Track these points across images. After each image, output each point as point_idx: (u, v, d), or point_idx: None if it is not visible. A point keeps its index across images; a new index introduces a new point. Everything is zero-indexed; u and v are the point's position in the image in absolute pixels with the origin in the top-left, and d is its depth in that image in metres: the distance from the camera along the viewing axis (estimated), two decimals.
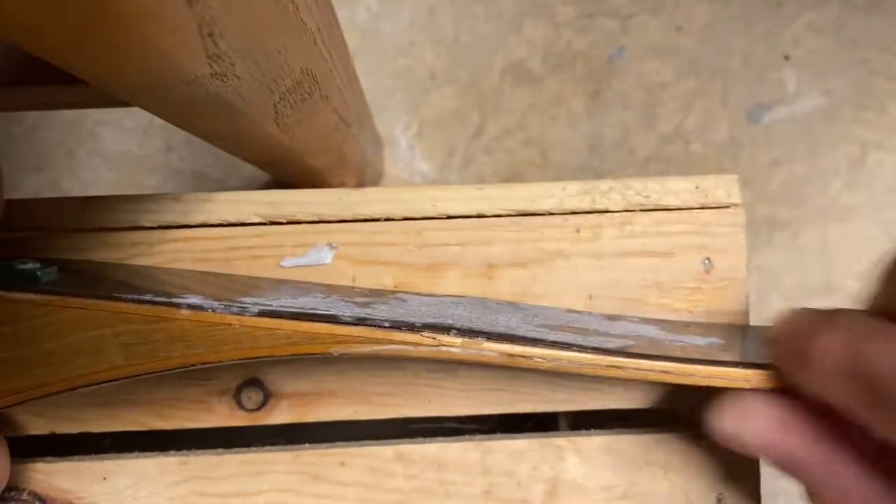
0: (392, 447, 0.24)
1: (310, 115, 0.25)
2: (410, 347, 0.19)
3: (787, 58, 0.54)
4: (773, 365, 0.19)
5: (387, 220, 0.24)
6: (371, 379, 0.24)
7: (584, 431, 0.24)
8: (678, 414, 0.24)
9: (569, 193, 0.24)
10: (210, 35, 0.15)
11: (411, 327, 0.19)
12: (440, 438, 0.24)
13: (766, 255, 0.51)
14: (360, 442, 0.24)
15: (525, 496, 0.24)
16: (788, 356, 0.18)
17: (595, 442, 0.24)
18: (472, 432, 0.25)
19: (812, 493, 0.19)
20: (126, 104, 0.19)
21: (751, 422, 0.19)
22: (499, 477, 0.24)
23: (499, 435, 0.24)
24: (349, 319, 0.19)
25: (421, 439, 0.24)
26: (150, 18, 0.13)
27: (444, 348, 0.19)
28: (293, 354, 0.19)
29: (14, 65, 0.21)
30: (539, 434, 0.24)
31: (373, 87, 0.54)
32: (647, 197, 0.24)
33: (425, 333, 0.19)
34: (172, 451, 0.24)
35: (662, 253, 0.24)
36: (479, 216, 0.24)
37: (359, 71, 0.36)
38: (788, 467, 0.19)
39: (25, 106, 0.22)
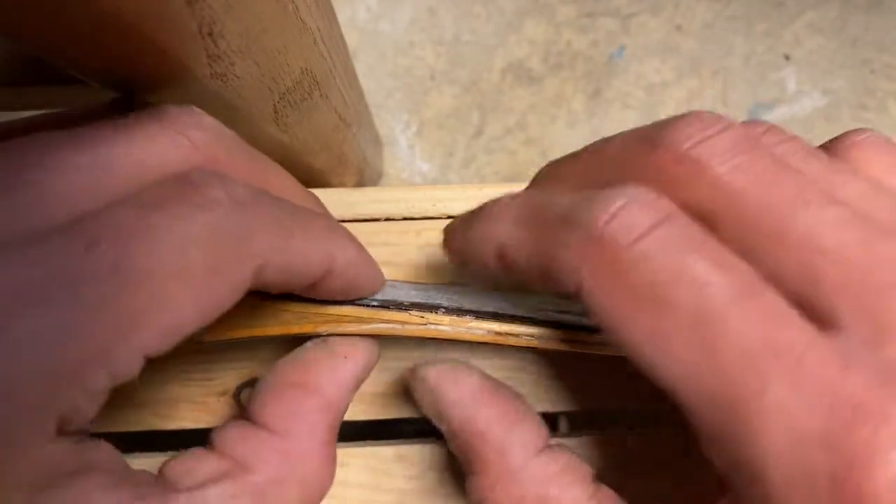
0: (392, 447, 0.24)
1: (309, 114, 0.25)
2: (399, 326, 0.19)
3: (787, 57, 0.54)
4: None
5: (387, 219, 0.24)
6: (371, 379, 0.24)
7: (584, 431, 0.24)
8: (678, 413, 0.24)
9: None
10: (210, 35, 0.15)
11: (399, 306, 0.19)
12: (439, 439, 0.24)
13: None
14: (360, 442, 0.24)
15: None
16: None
17: (595, 442, 0.24)
18: None
19: (480, 468, 0.18)
20: None
21: (455, 380, 0.19)
22: None
23: None
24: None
25: (421, 439, 0.24)
26: (150, 18, 0.13)
27: (431, 326, 0.19)
28: (282, 334, 0.19)
29: (14, 65, 0.21)
30: None
31: (373, 87, 0.54)
32: None
33: (413, 312, 0.19)
34: (172, 452, 0.24)
35: None
36: None
37: (359, 71, 0.36)
38: (469, 437, 0.19)
39: (25, 106, 0.22)
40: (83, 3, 0.12)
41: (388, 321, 0.19)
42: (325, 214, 0.18)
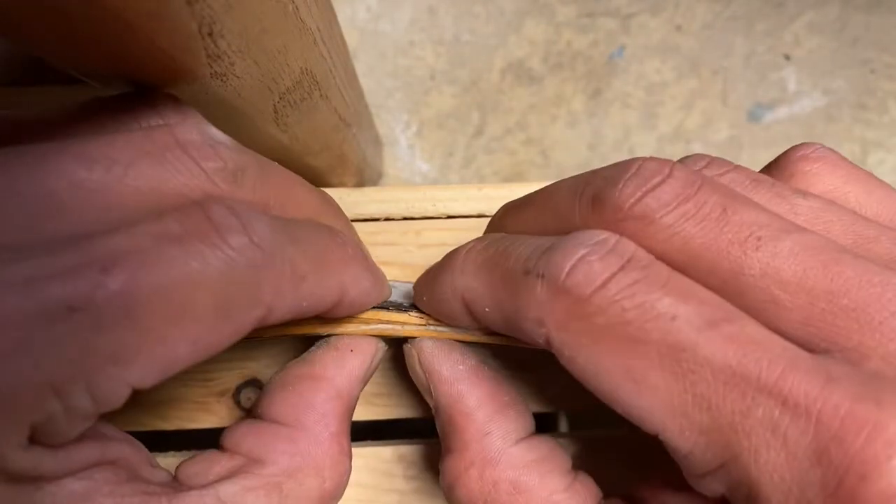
0: (392, 447, 0.24)
1: (309, 114, 0.25)
2: (398, 327, 0.19)
3: (787, 57, 0.54)
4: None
5: (387, 219, 0.24)
6: (371, 379, 0.24)
7: (584, 430, 0.24)
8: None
9: None
10: (210, 34, 0.15)
11: (399, 307, 0.19)
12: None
13: None
14: (360, 442, 0.24)
15: None
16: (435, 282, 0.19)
17: (595, 440, 0.24)
18: None
19: (459, 448, 0.18)
20: None
21: (451, 357, 0.19)
22: None
23: None
24: None
25: (421, 439, 0.24)
26: (150, 18, 0.13)
27: (431, 327, 0.19)
28: (283, 335, 0.19)
29: (14, 65, 0.21)
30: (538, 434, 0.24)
31: (373, 86, 0.54)
32: None
33: (413, 313, 0.19)
34: (172, 452, 0.24)
35: None
36: (479, 216, 0.24)
37: (359, 71, 0.36)
38: (455, 414, 0.19)
39: (25, 106, 0.22)
40: (83, 3, 0.12)
41: (388, 322, 0.19)
42: (342, 235, 0.18)
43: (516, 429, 0.19)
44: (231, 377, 0.24)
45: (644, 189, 0.15)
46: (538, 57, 0.55)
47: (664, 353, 0.14)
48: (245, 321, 0.14)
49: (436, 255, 0.24)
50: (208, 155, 0.15)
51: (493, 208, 0.24)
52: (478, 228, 0.24)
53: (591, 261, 0.15)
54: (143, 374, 0.13)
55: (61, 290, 0.12)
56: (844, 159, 0.17)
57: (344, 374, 0.19)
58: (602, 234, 0.15)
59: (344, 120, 0.30)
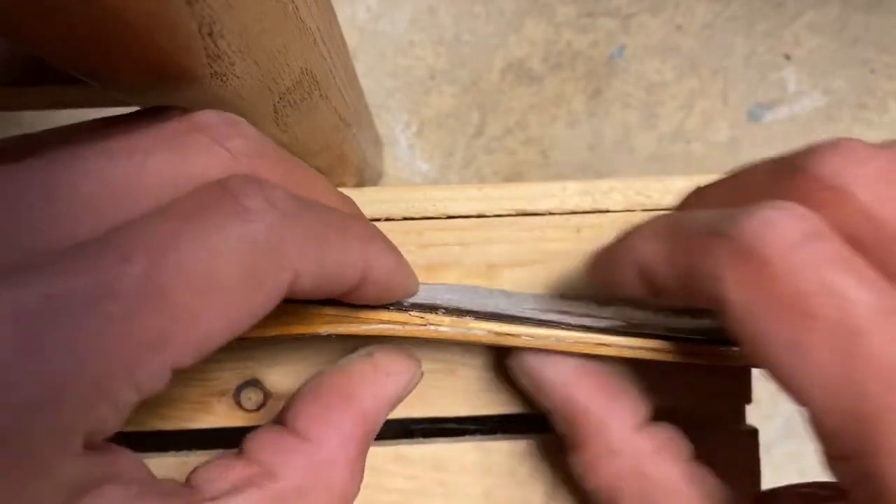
0: (392, 447, 0.24)
1: (309, 114, 0.25)
2: (398, 327, 0.19)
3: (787, 57, 0.54)
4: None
5: (387, 220, 0.24)
6: None
7: None
8: (675, 410, 0.24)
9: (569, 193, 0.24)
10: (210, 34, 0.15)
11: (399, 306, 0.19)
12: (440, 439, 0.24)
13: None
14: None
15: (526, 496, 0.24)
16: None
17: None
18: (473, 432, 0.25)
19: (581, 443, 0.19)
20: (126, 104, 0.19)
21: (553, 361, 0.20)
22: (499, 477, 0.24)
23: (499, 435, 0.24)
24: (336, 298, 0.19)
25: (421, 439, 0.24)
26: (150, 18, 0.13)
27: (431, 327, 0.19)
28: (282, 335, 0.19)
29: (14, 65, 0.21)
30: (539, 434, 0.24)
31: (373, 86, 0.54)
32: (648, 197, 0.24)
33: (413, 312, 0.19)
34: (172, 452, 0.24)
35: None
36: (479, 216, 0.24)
37: (359, 71, 0.36)
38: (570, 414, 0.19)
39: (25, 106, 0.22)
40: (83, 3, 0.12)
41: (387, 321, 0.19)
42: (363, 220, 0.18)
43: (632, 416, 0.19)
44: (231, 377, 0.24)
45: (848, 162, 0.15)
46: (538, 57, 0.55)
47: (835, 333, 0.14)
48: (275, 288, 0.14)
49: (437, 255, 0.24)
50: (228, 134, 0.15)
51: (493, 208, 0.24)
52: (478, 228, 0.24)
53: (781, 223, 0.15)
54: (182, 354, 0.13)
55: (90, 283, 0.12)
56: None
57: (377, 397, 0.19)
58: (792, 203, 0.15)
59: (344, 120, 0.30)
